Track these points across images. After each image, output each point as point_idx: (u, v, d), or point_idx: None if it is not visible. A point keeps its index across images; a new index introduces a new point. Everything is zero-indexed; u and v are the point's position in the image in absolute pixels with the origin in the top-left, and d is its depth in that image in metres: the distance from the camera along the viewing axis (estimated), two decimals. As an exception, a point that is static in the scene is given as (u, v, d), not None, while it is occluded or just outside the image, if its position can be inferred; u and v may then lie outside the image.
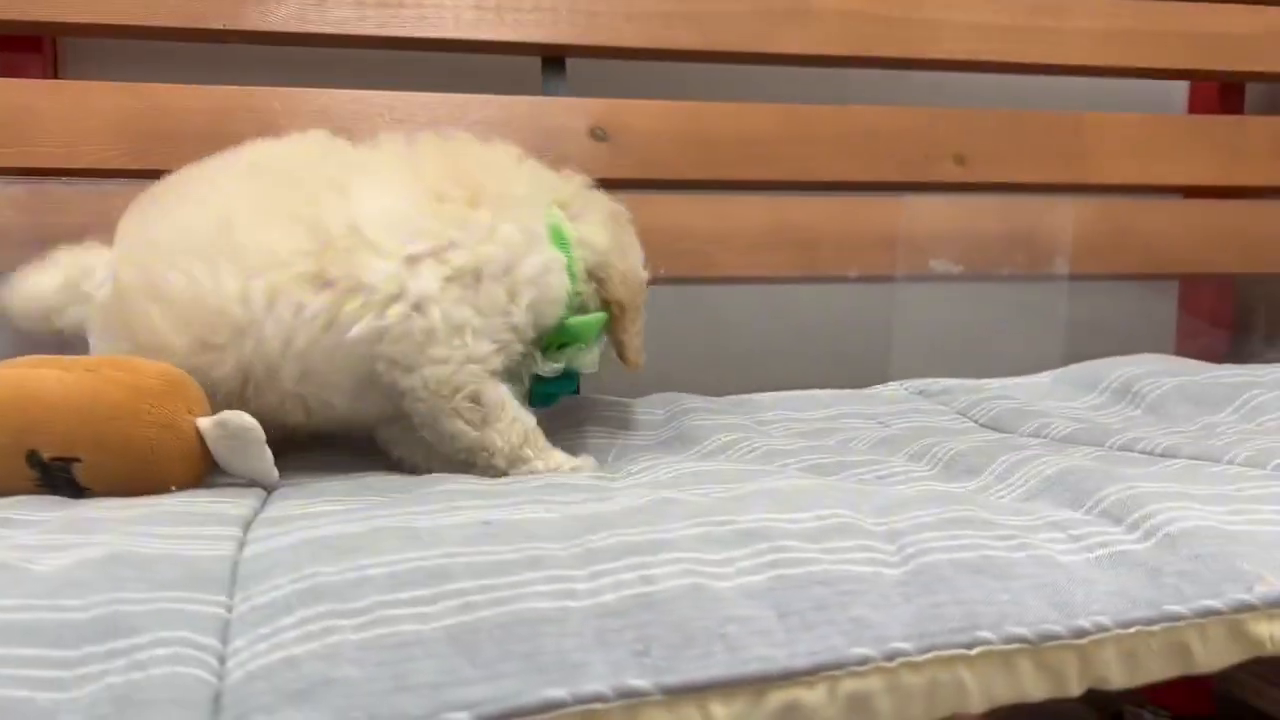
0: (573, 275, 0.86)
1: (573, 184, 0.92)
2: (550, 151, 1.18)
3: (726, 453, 0.91)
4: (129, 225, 0.83)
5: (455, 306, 0.79)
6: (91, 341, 0.83)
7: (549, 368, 0.87)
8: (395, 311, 0.77)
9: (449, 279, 0.78)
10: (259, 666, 0.46)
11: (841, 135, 1.26)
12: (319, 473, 0.86)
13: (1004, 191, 1.31)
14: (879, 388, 1.20)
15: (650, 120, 1.22)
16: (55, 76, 1.16)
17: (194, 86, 1.12)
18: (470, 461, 0.84)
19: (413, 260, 0.78)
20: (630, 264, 0.91)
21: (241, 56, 1.21)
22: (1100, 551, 0.57)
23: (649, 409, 1.08)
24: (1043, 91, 1.38)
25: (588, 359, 0.89)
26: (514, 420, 0.83)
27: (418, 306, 0.78)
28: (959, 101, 1.32)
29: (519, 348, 0.83)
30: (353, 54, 1.19)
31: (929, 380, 1.21)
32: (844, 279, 1.24)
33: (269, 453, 0.74)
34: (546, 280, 0.83)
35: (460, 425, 0.81)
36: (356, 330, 0.78)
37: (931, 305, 1.34)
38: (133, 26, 1.12)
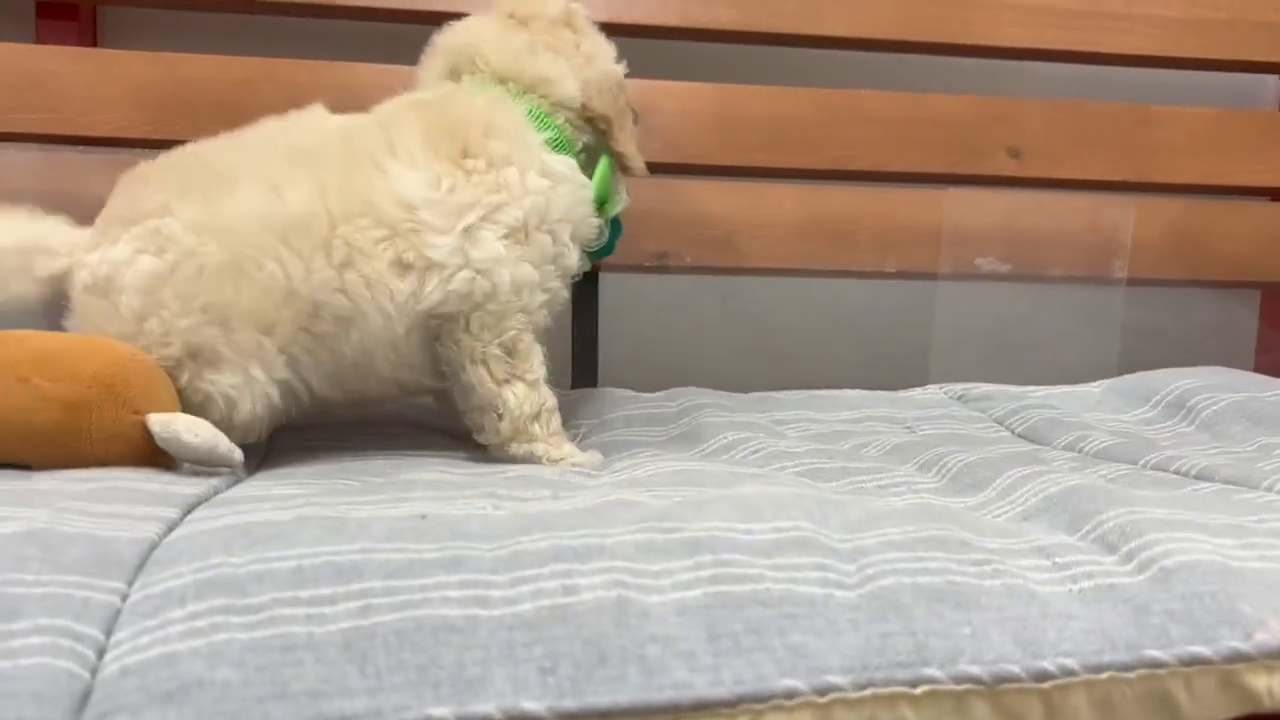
0: (569, 147, 0.88)
1: (512, 51, 0.88)
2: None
3: (729, 453, 0.87)
4: (144, 202, 0.78)
5: (517, 266, 0.81)
6: (71, 324, 0.79)
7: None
8: (462, 277, 0.79)
9: (506, 238, 0.80)
10: (135, 662, 0.44)
11: (885, 122, 1.20)
12: (310, 452, 0.85)
13: (1060, 188, 1.24)
14: (915, 390, 1.14)
15: (681, 102, 1.17)
16: (92, 45, 1.16)
17: (217, 57, 1.10)
18: (478, 425, 0.84)
19: (469, 230, 0.80)
20: (598, 71, 0.89)
21: (268, 29, 1.19)
22: (1085, 583, 0.51)
23: (663, 403, 1.04)
24: (1107, 82, 1.30)
25: (618, 204, 0.92)
26: (534, 388, 0.83)
27: (483, 271, 0.80)
28: (1015, 90, 1.25)
29: (564, 293, 0.87)
30: (375, 28, 1.17)
31: (970, 384, 1.14)
32: (883, 274, 1.18)
33: (224, 443, 0.72)
34: (578, 210, 0.86)
35: (482, 373, 0.82)
36: (428, 303, 0.79)
37: (976, 305, 1.27)
38: (164, -5, 1.11)
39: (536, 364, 0.84)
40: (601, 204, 0.88)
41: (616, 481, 0.70)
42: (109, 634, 0.46)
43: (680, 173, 1.17)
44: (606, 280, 1.17)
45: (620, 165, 0.90)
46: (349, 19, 1.16)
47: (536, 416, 0.83)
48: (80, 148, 1.07)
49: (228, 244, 0.76)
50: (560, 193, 0.83)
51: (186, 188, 0.78)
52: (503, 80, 0.87)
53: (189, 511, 0.61)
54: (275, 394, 0.79)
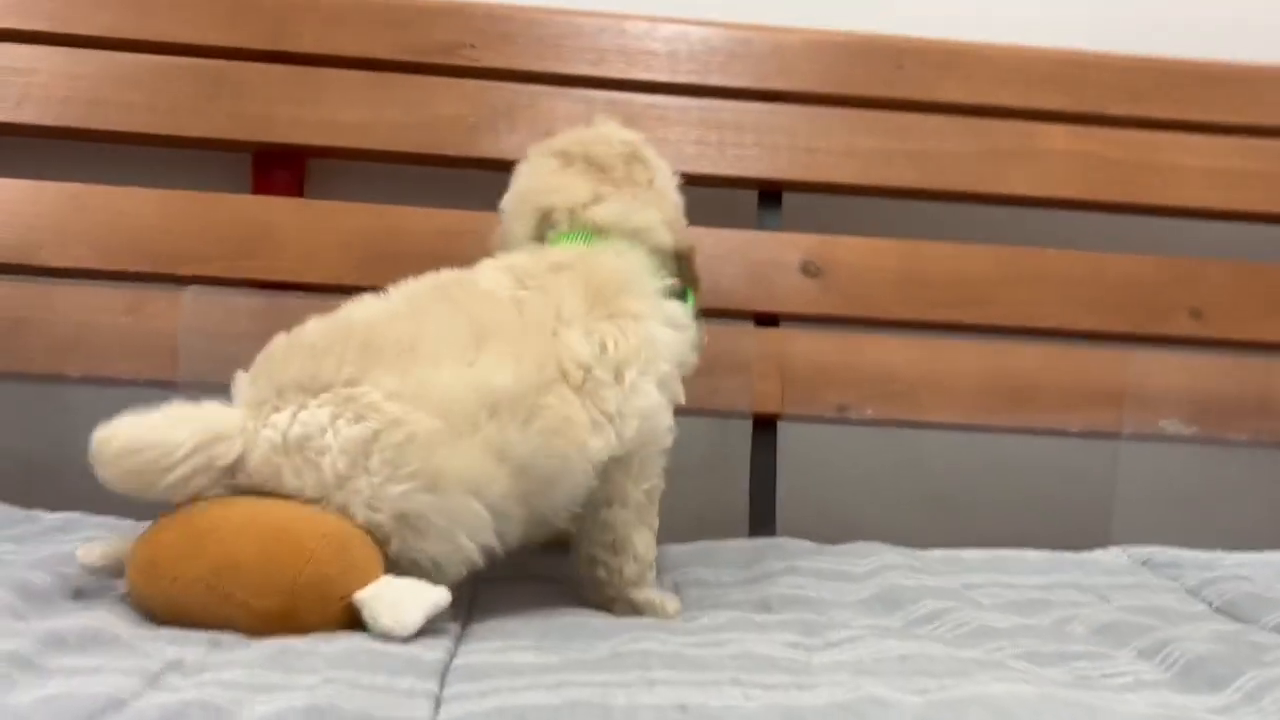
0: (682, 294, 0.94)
1: (614, 208, 0.93)
2: (761, 285, 1.19)
3: (933, 623, 0.86)
4: (323, 370, 0.78)
5: (666, 411, 0.87)
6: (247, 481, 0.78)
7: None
8: (633, 425, 0.84)
9: (658, 387, 0.86)
10: None
11: (1066, 281, 1.20)
12: (510, 608, 0.86)
13: (1242, 349, 1.22)
14: (1099, 553, 1.12)
15: (863, 257, 1.20)
16: (300, 193, 1.24)
17: (425, 210, 1.17)
18: (602, 565, 0.87)
19: (633, 383, 0.85)
20: (672, 205, 0.97)
21: (473, 181, 1.26)
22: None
23: (849, 559, 1.04)
24: (1289, 244, 1.29)
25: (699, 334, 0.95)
26: (654, 536, 0.88)
27: (647, 418, 0.85)
28: (1195, 250, 1.24)
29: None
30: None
31: (1154, 548, 1.12)
32: (1064, 433, 1.18)
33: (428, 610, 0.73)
34: (689, 352, 0.92)
35: (626, 515, 0.86)
36: (609, 453, 0.84)
37: (1159, 467, 1.25)
38: (378, 151, 1.19)
39: (656, 513, 0.89)
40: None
41: (846, 664, 0.70)
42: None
43: (862, 326, 1.19)
44: (785, 429, 1.18)
45: (695, 289, 0.96)
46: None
47: (652, 564, 0.88)
48: (298, 293, 1.13)
49: (437, 412, 0.77)
50: (682, 338, 0.90)
51: (371, 359, 0.78)
52: (602, 232, 0.92)
53: (442, 680, 0.63)
54: (479, 557, 0.80)
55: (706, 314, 1.18)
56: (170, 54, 1.18)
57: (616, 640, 0.75)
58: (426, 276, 0.87)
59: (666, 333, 0.89)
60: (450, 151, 1.19)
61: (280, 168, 1.23)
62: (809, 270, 1.19)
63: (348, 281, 1.15)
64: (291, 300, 1.12)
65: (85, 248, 1.13)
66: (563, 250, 0.91)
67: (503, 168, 1.19)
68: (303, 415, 0.76)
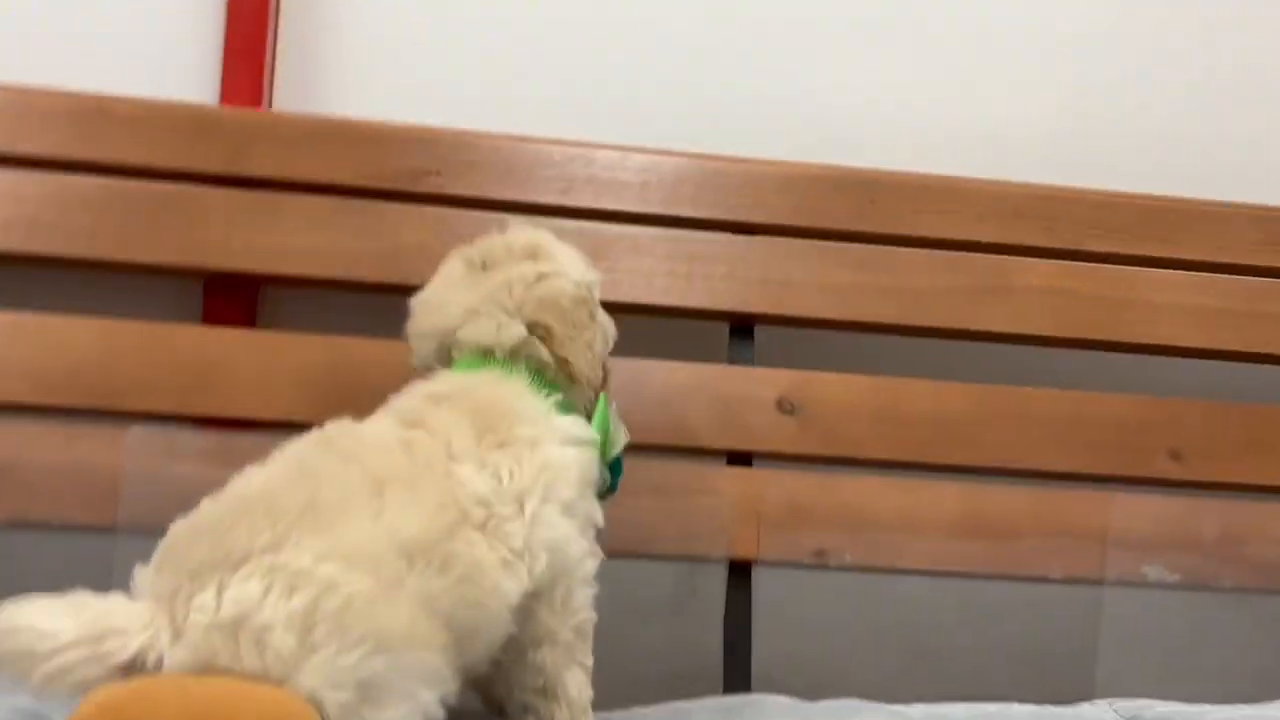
0: (571, 406, 0.89)
1: (479, 328, 0.89)
2: (735, 422, 1.16)
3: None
4: (236, 543, 0.72)
5: (577, 539, 0.83)
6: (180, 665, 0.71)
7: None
8: (542, 559, 0.80)
9: (564, 514, 0.82)
10: None
11: (1045, 420, 1.18)
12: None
13: (1224, 491, 1.20)
14: (1085, 708, 1.07)
15: (841, 394, 1.17)
16: (252, 322, 1.18)
17: (385, 341, 1.11)
18: (533, 711, 0.83)
19: (535, 514, 0.80)
20: (543, 288, 0.91)
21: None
22: None
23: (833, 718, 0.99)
24: (1267, 383, 1.27)
25: (618, 443, 0.92)
26: (588, 675, 0.85)
27: (555, 550, 0.81)
28: (1174, 390, 1.23)
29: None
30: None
31: (1142, 702, 1.07)
32: (1045, 579, 1.14)
33: None
34: (593, 466, 0.87)
35: (555, 656, 0.83)
36: (523, 590, 0.79)
37: (1143, 614, 1.22)
38: (337, 280, 1.14)
39: (590, 650, 0.85)
40: (600, 448, 0.89)
41: None
42: None
43: (841, 465, 1.16)
44: (759, 575, 1.13)
45: (567, 373, 0.90)
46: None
47: (587, 709, 0.84)
48: (251, 432, 1.07)
49: (366, 570, 0.73)
50: (586, 455, 0.86)
51: (283, 523, 0.74)
52: (487, 352, 0.89)
53: None
54: (437, 708, 0.75)
55: (675, 451, 1.15)
56: (120, 176, 1.12)
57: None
58: (309, 434, 0.83)
59: (566, 452, 0.84)
60: (414, 281, 1.12)
61: (232, 296, 1.18)
62: (785, 407, 1.15)
63: (301, 418, 1.07)
64: (244, 439, 1.06)
65: (19, 380, 1.05)
66: (439, 381, 0.88)
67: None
68: (230, 593, 0.70)
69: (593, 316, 0.93)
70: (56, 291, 1.13)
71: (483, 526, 0.78)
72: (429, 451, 0.81)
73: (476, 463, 0.81)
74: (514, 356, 0.89)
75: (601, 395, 0.91)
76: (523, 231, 0.96)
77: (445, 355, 0.91)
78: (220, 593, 0.70)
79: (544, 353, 0.89)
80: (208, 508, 0.77)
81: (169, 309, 1.16)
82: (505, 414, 0.84)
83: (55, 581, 1.09)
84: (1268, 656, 1.23)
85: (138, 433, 1.05)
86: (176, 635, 0.69)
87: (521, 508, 0.80)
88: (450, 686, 0.76)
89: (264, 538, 0.72)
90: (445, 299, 0.93)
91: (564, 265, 0.93)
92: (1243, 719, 1.06)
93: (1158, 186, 1.27)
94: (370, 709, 0.71)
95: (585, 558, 0.84)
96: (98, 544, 1.02)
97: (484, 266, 0.93)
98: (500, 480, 0.80)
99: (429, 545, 0.76)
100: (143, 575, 0.74)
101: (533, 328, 0.88)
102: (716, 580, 1.13)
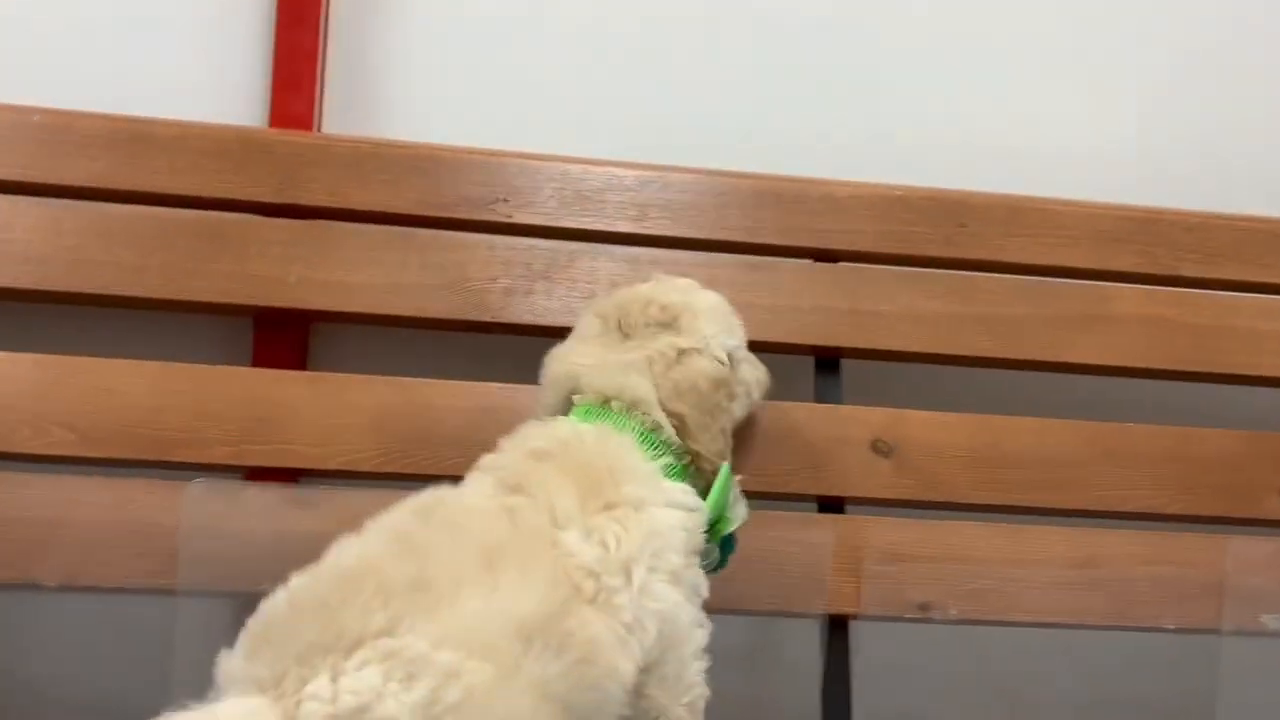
0: (682, 472, 0.85)
1: (606, 376, 0.85)
2: (826, 465, 1.09)
3: None
4: (348, 625, 0.67)
5: (685, 606, 0.79)
6: None
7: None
8: (651, 629, 0.75)
9: (669, 582, 0.78)
10: None
11: (1150, 458, 1.12)
12: None
13: (1342, 533, 1.14)
14: (1205, 765, 1.01)
15: (937, 433, 1.10)
16: (304, 363, 1.11)
17: (455, 383, 1.05)
18: None
19: (643, 584, 0.76)
20: (683, 370, 0.86)
21: (506, 349, 1.14)
22: None
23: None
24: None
25: (734, 520, 0.87)
26: None
27: (666, 619, 0.76)
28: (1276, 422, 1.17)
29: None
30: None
31: (1264, 758, 1.02)
32: (1159, 629, 1.07)
33: None
34: (699, 536, 0.82)
35: None
36: (635, 665, 0.75)
37: (1263, 666, 1.16)
38: (397, 316, 1.07)
39: None
40: (715, 523, 0.84)
41: None
42: None
43: (941, 509, 1.09)
44: (857, 628, 1.06)
45: (697, 464, 0.85)
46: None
47: None
48: (317, 481, 0.99)
49: (484, 656, 0.67)
50: (692, 520, 0.81)
51: (396, 603, 0.68)
52: (606, 401, 0.84)
53: None
54: None
55: (763, 496, 1.08)
56: (165, 205, 1.05)
57: None
58: (402, 503, 0.76)
59: (673, 515, 0.80)
60: (481, 316, 1.07)
61: (283, 334, 1.10)
62: (880, 449, 1.08)
63: (369, 467, 1.01)
64: (309, 492, 0.98)
65: (65, 430, 0.97)
66: (540, 433, 0.83)
67: (540, 333, 1.09)
68: (346, 681, 0.64)
69: (732, 396, 0.89)
70: (102, 332, 1.06)
71: (593, 600, 0.74)
72: (533, 519, 0.76)
73: (582, 529, 0.76)
74: (631, 410, 0.84)
75: (723, 467, 0.85)
76: (662, 286, 0.91)
77: (566, 405, 0.86)
78: (335, 679, 0.64)
79: (657, 413, 0.84)
80: (304, 582, 0.71)
81: (217, 350, 1.09)
82: (611, 473, 0.79)
83: (112, 649, 1.02)
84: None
85: (196, 488, 0.97)
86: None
87: (629, 577, 0.75)
88: None
89: (377, 619, 0.67)
90: (579, 350, 0.89)
91: (705, 336, 0.88)
92: (1374, 777, 1.01)
93: (1255, 208, 1.21)
94: None
95: (695, 628, 0.80)
96: (156, 607, 0.94)
97: (620, 328, 0.88)
98: (607, 548, 0.75)
99: (545, 626, 0.71)
100: (233, 662, 0.67)
101: (669, 414, 0.84)
102: (813, 635, 1.06)
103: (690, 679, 0.79)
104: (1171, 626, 1.08)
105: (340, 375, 1.05)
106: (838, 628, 1.05)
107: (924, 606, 1.05)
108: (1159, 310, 1.16)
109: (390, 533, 0.74)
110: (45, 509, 0.96)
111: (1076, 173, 1.24)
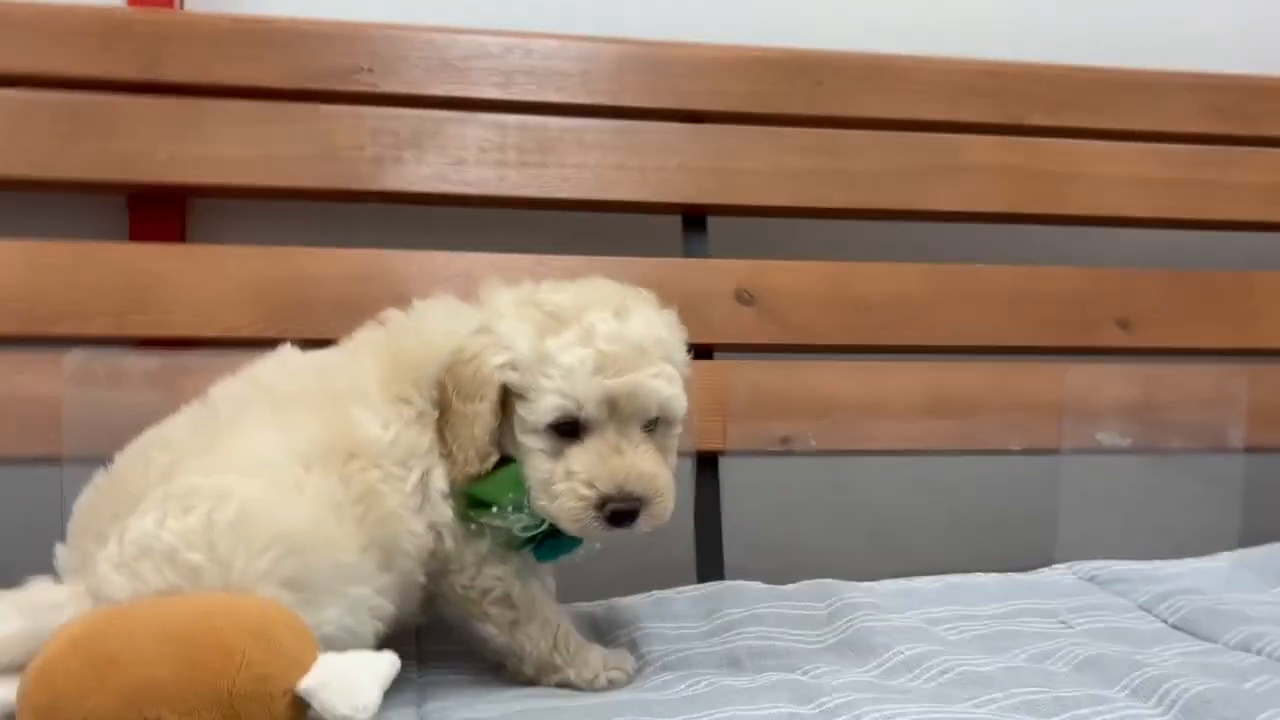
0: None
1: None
2: (694, 316, 1.14)
3: (912, 672, 0.83)
4: (133, 486, 0.73)
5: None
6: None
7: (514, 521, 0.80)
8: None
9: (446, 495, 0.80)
10: None
11: (998, 296, 1.19)
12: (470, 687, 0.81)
13: (1172, 357, 1.23)
14: (1046, 572, 1.10)
15: (797, 281, 1.16)
16: (183, 237, 1.13)
17: (330, 250, 1.08)
18: (508, 663, 0.84)
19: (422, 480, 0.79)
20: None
21: (379, 217, 1.17)
22: None
23: (808, 602, 0.99)
24: (1209, 249, 1.30)
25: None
26: (544, 623, 0.83)
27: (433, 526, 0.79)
28: (1121, 260, 1.24)
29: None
30: (473, 213, 1.16)
31: (1098, 563, 1.11)
32: (1006, 452, 1.16)
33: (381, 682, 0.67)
34: None
35: (489, 629, 0.82)
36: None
37: (1098, 479, 1.25)
38: (269, 188, 1.09)
39: (539, 596, 0.83)
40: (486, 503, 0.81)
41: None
42: None
43: (801, 352, 1.15)
44: (726, 465, 1.13)
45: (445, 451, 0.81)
46: (459, 207, 1.14)
47: (554, 647, 0.83)
48: (197, 350, 1.02)
49: (257, 474, 0.73)
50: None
51: (176, 452, 0.74)
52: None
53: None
54: (384, 609, 0.76)
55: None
56: (29, 87, 1.05)
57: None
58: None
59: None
60: (352, 185, 1.10)
61: (159, 210, 1.12)
62: (743, 298, 1.14)
63: (249, 333, 1.05)
64: (188, 359, 1.01)
65: (-58, 310, 0.99)
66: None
67: (412, 200, 1.13)
68: (129, 535, 0.70)
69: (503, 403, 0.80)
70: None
71: (377, 467, 0.77)
72: (338, 383, 0.80)
73: (374, 410, 0.78)
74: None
75: (513, 467, 0.80)
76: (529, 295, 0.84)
77: None
78: (122, 538, 0.70)
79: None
80: (102, 473, 0.77)
81: (93, 227, 1.10)
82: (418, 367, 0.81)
83: (5, 518, 1.05)
84: (1214, 514, 1.27)
85: (76, 358, 1.00)
86: (95, 595, 0.70)
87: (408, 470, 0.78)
88: (385, 580, 0.76)
89: (156, 471, 0.72)
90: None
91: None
92: (1191, 571, 1.11)
93: (1096, 58, 1.26)
94: (305, 610, 0.70)
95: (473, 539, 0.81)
96: (45, 476, 0.97)
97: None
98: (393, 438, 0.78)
99: (324, 457, 0.75)
100: (60, 556, 0.74)
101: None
102: (684, 472, 1.13)
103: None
104: (1017, 449, 1.16)
105: (218, 246, 1.08)
106: (707, 464, 1.12)
107: (785, 440, 1.12)
108: (1009, 158, 1.22)
109: (203, 397, 0.80)
110: (-72, 386, 0.98)
111: (930, 30, 1.28)
